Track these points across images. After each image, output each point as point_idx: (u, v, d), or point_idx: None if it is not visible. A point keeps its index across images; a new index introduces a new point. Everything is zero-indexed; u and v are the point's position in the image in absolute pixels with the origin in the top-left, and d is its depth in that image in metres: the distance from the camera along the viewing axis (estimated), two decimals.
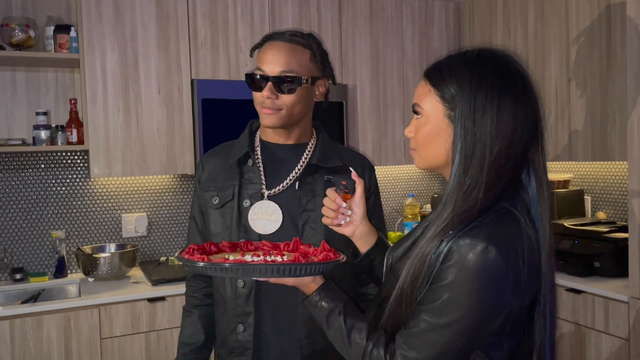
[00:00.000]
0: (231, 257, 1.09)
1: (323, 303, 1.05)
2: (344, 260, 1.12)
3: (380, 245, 1.19)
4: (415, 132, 1.02)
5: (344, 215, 1.17)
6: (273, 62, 1.29)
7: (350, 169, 1.20)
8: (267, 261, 1.06)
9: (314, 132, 1.44)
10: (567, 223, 2.69)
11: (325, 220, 1.20)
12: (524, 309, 0.96)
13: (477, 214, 0.92)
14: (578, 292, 2.42)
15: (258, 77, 1.30)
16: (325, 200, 1.19)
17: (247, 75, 1.33)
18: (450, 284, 0.89)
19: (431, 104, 0.98)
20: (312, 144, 1.41)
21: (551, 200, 0.98)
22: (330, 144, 1.44)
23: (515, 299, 0.92)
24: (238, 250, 1.23)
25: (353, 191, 1.17)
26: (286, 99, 1.30)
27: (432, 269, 0.92)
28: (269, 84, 1.28)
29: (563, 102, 2.83)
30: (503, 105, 0.93)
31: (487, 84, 0.93)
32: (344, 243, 1.25)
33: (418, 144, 1.02)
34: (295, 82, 1.29)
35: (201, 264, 1.05)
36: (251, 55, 1.41)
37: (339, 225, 1.18)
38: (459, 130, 0.93)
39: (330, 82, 1.41)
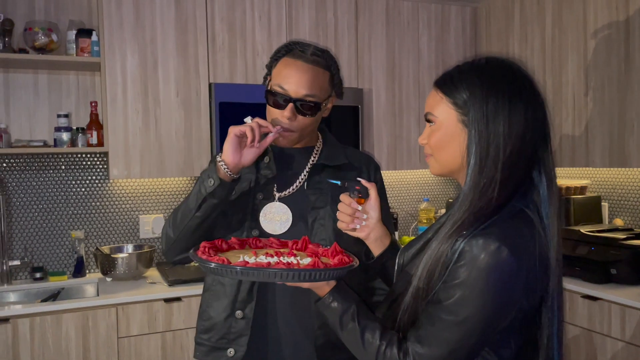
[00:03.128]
0: (251, 260, 1.11)
1: (336, 304, 1.08)
2: (357, 264, 1.15)
3: (394, 248, 1.22)
4: (429, 138, 1.05)
5: (360, 219, 1.20)
6: (297, 84, 1.31)
7: (359, 179, 1.23)
8: (284, 263, 1.08)
9: (320, 135, 1.49)
10: (584, 229, 2.67)
11: (340, 225, 1.23)
12: (534, 307, 0.99)
13: (491, 213, 0.95)
14: (594, 299, 2.40)
15: (281, 95, 1.32)
16: (340, 206, 1.22)
17: (269, 92, 1.35)
18: (463, 283, 0.92)
19: (444, 111, 1.02)
20: (319, 147, 1.47)
21: (559, 199, 1.01)
22: (336, 144, 1.49)
23: (526, 297, 0.95)
24: (247, 247, 1.26)
25: (366, 195, 1.20)
26: (304, 121, 1.34)
27: (447, 267, 0.94)
28: (291, 105, 1.32)
29: (580, 107, 2.81)
30: (514, 107, 0.97)
31: (497, 88, 0.98)
32: (353, 240, 1.28)
33: (433, 149, 1.06)
34: (316, 107, 1.34)
35: (213, 264, 1.07)
36: (270, 68, 1.41)
37: (354, 229, 1.21)
38: (474, 134, 0.97)
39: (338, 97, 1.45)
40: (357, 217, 1.20)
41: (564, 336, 1.05)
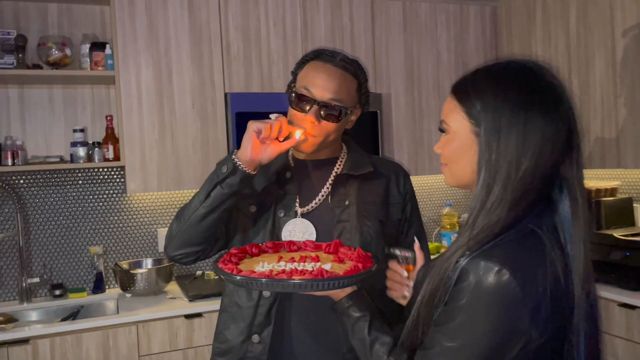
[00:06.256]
0: (269, 267, 1.09)
1: (351, 311, 1.07)
2: (375, 269, 1.12)
3: None
4: (443, 148, 0.99)
5: (408, 286, 1.17)
6: (324, 87, 1.27)
7: (415, 238, 1.21)
8: (296, 270, 1.07)
9: (344, 145, 1.44)
10: (617, 233, 2.56)
11: (390, 293, 1.20)
12: (549, 339, 0.89)
13: (498, 233, 0.88)
14: (632, 307, 2.30)
15: (306, 98, 1.28)
16: (389, 273, 1.20)
17: (293, 92, 1.31)
18: (463, 306, 0.86)
19: (457, 121, 0.95)
20: (343, 157, 1.41)
21: (588, 221, 0.92)
22: (361, 153, 1.44)
23: (535, 328, 0.85)
24: (282, 250, 1.25)
25: (414, 262, 1.18)
26: (327, 127, 1.29)
27: (448, 289, 0.89)
28: (315, 107, 1.27)
29: (610, 107, 2.70)
30: (530, 121, 0.88)
31: (513, 99, 0.89)
32: (381, 250, 1.28)
33: (447, 160, 1.00)
34: (341, 113, 1.29)
35: (240, 277, 1.05)
36: (295, 74, 1.37)
37: (405, 297, 1.18)
38: (483, 148, 0.90)
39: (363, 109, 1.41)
40: (407, 285, 1.17)
41: None
